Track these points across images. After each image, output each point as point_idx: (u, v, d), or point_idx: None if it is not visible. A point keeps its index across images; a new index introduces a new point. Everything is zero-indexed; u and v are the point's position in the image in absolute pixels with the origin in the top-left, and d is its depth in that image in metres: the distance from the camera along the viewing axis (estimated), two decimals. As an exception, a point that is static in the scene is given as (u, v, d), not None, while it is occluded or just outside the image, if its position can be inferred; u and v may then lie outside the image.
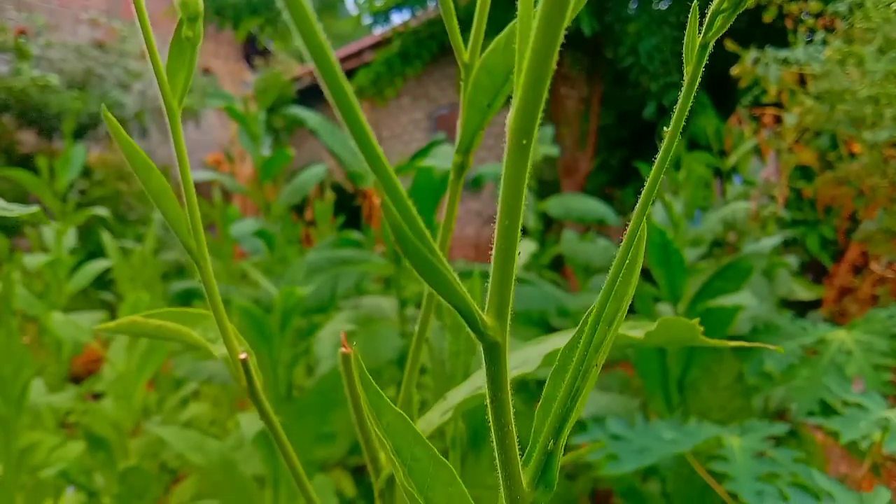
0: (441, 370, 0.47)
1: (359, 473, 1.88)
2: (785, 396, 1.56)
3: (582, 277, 2.93)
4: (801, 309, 2.46)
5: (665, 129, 0.27)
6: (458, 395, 0.39)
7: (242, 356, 0.34)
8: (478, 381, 0.39)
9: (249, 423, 1.11)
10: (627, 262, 0.24)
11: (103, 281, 3.70)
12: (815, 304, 2.50)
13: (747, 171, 2.61)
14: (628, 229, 0.24)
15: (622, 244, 0.24)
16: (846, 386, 1.31)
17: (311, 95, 9.20)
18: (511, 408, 0.22)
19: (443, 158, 1.95)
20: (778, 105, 2.14)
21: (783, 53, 2.00)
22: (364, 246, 2.44)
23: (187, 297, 2.24)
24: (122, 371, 1.46)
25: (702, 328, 0.31)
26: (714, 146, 2.89)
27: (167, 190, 0.32)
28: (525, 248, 2.46)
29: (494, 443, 0.23)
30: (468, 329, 0.48)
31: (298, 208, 4.81)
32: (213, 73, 8.86)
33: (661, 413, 1.56)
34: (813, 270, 3.69)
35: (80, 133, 6.97)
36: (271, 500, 1.24)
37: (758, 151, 2.82)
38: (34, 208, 0.52)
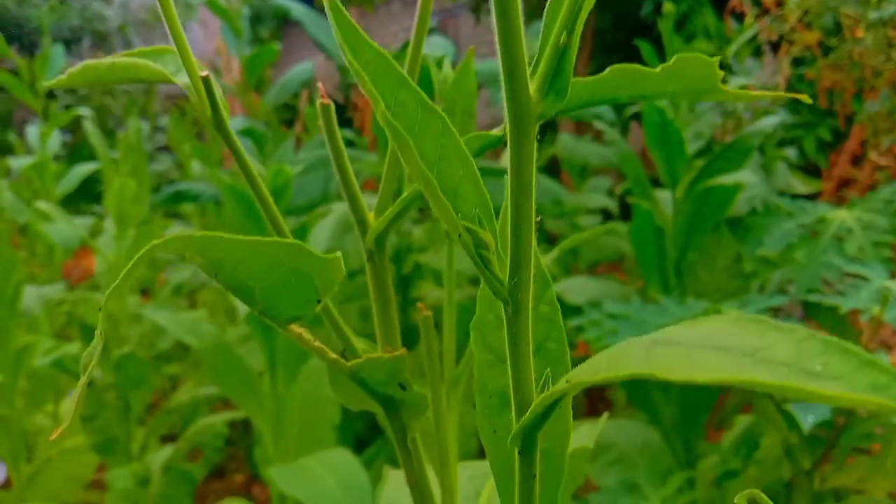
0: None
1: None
2: (783, 279, 1.55)
3: (577, 181, 2.99)
4: (799, 203, 2.44)
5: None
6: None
7: (203, 74, 0.31)
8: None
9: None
10: None
11: (93, 194, 3.66)
12: (813, 198, 2.48)
13: (746, 70, 2.54)
14: None
15: None
16: (846, 261, 1.29)
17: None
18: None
19: (436, 48, 1.88)
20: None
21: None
22: (357, 146, 2.39)
23: (177, 200, 2.21)
24: (113, 261, 1.44)
25: (722, 73, 0.28)
26: (714, 42, 2.80)
27: None
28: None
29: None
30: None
31: (289, 122, 4.73)
32: (196, -18, 8.58)
33: (658, 296, 1.56)
34: (809, 173, 3.67)
35: (63, 47, 6.80)
36: (269, 385, 1.24)
37: (756, 52, 2.75)
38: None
